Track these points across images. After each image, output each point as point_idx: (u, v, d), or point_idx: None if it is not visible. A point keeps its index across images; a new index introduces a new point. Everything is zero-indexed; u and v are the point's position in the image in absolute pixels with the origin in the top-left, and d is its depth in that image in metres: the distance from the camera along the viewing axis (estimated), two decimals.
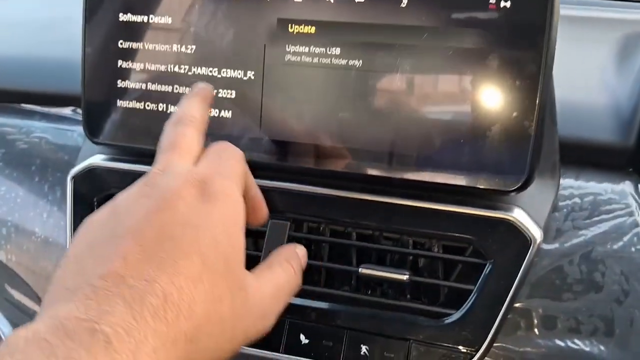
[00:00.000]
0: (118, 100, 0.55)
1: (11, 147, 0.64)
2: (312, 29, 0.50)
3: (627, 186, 0.52)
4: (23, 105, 0.69)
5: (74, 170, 0.57)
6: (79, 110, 0.66)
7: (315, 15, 0.49)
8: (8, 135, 0.65)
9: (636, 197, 0.51)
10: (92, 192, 0.57)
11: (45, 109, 0.67)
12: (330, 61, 0.49)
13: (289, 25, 0.50)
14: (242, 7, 0.51)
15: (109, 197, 0.55)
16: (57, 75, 0.68)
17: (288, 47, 0.50)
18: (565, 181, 0.52)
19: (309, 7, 0.50)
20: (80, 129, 0.64)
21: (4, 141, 0.65)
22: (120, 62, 0.54)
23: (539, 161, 0.46)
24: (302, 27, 0.50)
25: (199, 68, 0.52)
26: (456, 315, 0.48)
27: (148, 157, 0.54)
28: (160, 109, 0.54)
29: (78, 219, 0.57)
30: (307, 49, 0.50)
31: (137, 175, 0.54)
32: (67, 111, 0.67)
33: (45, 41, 0.73)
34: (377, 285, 0.53)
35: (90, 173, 0.57)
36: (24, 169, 0.63)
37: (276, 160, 0.52)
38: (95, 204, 0.57)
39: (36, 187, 0.62)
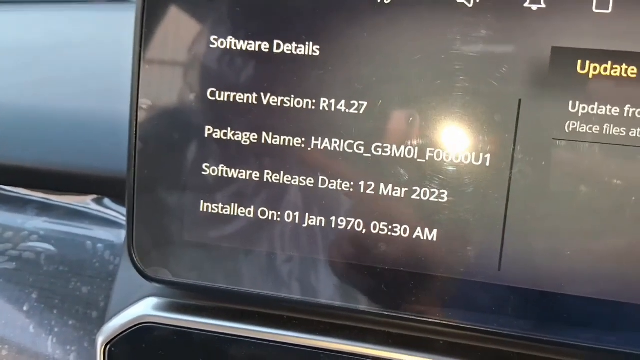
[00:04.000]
0: (202, 200, 0.29)
1: None
2: (634, 71, 0.24)
3: None
4: (8, 189, 0.41)
5: (108, 329, 0.30)
6: (108, 202, 0.39)
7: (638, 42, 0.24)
8: None
9: None
10: None
11: (49, 198, 0.40)
12: None
13: (581, 61, 0.24)
14: (464, 18, 0.25)
15: None
16: (72, 143, 0.40)
17: (574, 106, 0.25)
18: None
19: (626, 25, 0.24)
20: (106, 235, 0.37)
21: None
22: (209, 128, 0.28)
23: None
24: (611, 65, 0.24)
25: (372, 145, 0.26)
26: None
27: (248, 307, 0.28)
28: (288, 219, 0.28)
29: None
30: (617, 111, 0.24)
31: (223, 341, 0.28)
32: (86, 201, 0.40)
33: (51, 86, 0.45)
34: None
35: (141, 335, 0.30)
36: (8, 307, 0.35)
37: (525, 330, 0.26)
38: None
39: (30, 342, 0.34)
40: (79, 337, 0.34)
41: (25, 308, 0.35)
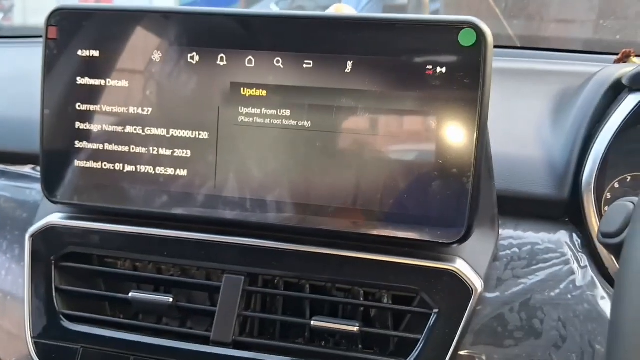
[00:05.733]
0: (76, 160, 0.57)
1: None
2: (264, 92, 0.53)
3: (562, 235, 0.55)
4: None
5: (32, 229, 0.58)
6: (38, 168, 0.67)
7: (266, 79, 0.52)
8: None
9: (571, 246, 0.55)
10: (50, 251, 0.58)
11: (3, 167, 0.68)
12: (281, 122, 0.52)
13: (242, 88, 0.53)
14: (197, 71, 0.54)
15: (67, 256, 0.57)
16: (16, 134, 0.69)
17: (241, 109, 0.53)
18: (505, 232, 0.55)
19: (260, 72, 0.52)
20: (39, 186, 0.65)
21: None
22: (77, 124, 0.56)
23: (478, 214, 0.49)
24: (253, 90, 0.53)
25: (155, 129, 0.55)
26: None
27: (105, 215, 0.56)
28: (116, 168, 0.56)
29: (36, 277, 0.58)
30: (259, 111, 0.53)
31: (94, 233, 0.56)
32: (26, 169, 0.68)
33: (4, 97, 0.75)
34: (331, 337, 0.54)
35: (48, 232, 0.58)
36: None
37: (230, 216, 0.54)
38: (53, 262, 0.58)
39: None
40: (22, 237, 0.61)
41: None
